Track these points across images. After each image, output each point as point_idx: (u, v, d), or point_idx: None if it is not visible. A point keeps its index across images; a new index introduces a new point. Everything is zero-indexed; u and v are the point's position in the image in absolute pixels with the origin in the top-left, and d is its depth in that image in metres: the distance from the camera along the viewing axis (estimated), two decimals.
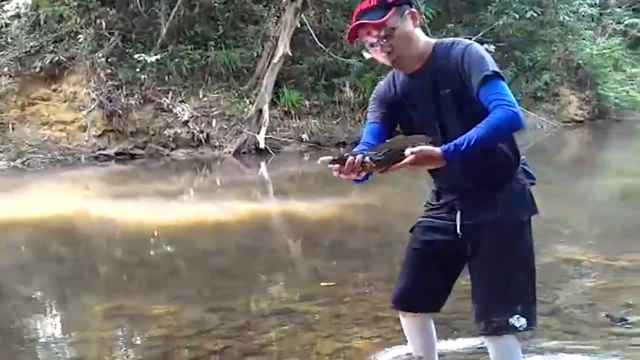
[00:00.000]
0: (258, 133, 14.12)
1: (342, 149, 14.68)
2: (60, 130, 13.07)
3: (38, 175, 12.07)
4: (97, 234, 7.93)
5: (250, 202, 9.59)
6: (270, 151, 14.27)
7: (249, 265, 5.96)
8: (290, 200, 9.79)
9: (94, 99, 13.30)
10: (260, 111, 14.38)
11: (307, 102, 15.65)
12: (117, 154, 13.14)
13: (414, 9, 2.48)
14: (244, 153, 14.42)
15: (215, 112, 14.46)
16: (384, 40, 2.44)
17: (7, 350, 4.21)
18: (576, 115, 19.35)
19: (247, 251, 6.71)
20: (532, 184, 2.73)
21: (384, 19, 2.40)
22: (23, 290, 5.62)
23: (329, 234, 7.38)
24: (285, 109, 15.50)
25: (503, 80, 2.38)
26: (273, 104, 15.21)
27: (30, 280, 5.94)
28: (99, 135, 13.25)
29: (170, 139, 13.77)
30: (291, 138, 14.75)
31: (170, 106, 13.92)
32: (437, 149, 2.32)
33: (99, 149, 12.99)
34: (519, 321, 2.54)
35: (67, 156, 12.79)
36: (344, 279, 5.37)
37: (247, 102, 14.91)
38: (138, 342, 4.23)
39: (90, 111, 13.25)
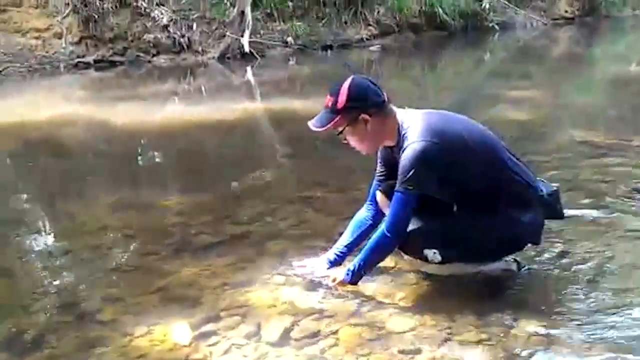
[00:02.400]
0: (242, 37, 13.57)
1: (329, 52, 14.32)
2: (36, 38, 12.39)
3: (17, 85, 11.58)
4: (89, 136, 7.65)
5: (243, 103, 9.33)
6: (256, 55, 13.80)
7: (257, 158, 5.78)
8: (284, 100, 9.51)
9: (67, 4, 12.57)
10: (242, 13, 13.77)
11: (290, 4, 15.00)
12: (96, 61, 12.55)
13: (369, 115, 2.80)
14: (228, 58, 13.92)
15: (195, 16, 13.82)
16: (337, 134, 2.88)
17: (18, 243, 4.05)
18: (566, 12, 18.91)
19: (252, 145, 6.53)
20: None
21: (327, 126, 2.82)
22: (25, 189, 5.42)
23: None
24: (268, 11, 14.86)
25: (409, 193, 2.75)
26: (255, 5, 14.56)
27: (31, 179, 5.73)
28: (77, 43, 12.62)
29: (151, 44, 13.18)
30: (276, 41, 14.24)
31: (148, 10, 13.25)
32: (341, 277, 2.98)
33: (77, 57, 12.38)
34: None
35: (44, 65, 12.20)
36: (352, 167, 5.22)
37: (228, 4, 14.25)
38: (153, 230, 4.07)
39: (64, 17, 12.54)
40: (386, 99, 2.83)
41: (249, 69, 13.31)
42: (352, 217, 3.33)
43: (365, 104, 2.78)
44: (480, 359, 2.38)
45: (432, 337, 2.54)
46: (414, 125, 2.72)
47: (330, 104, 2.81)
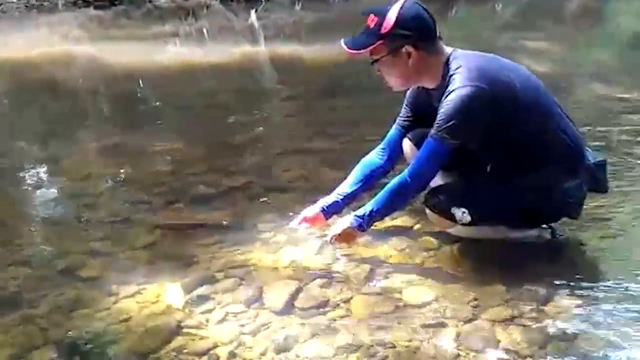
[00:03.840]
0: None
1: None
2: None
3: (14, 21, 11.14)
4: (85, 76, 7.28)
5: (246, 47, 8.89)
6: None
7: (257, 105, 5.41)
8: (288, 45, 9.06)
9: None
10: None
11: None
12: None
13: (414, 47, 2.38)
14: (231, 0, 13.42)
15: None
16: (371, 63, 2.46)
17: (10, 188, 3.74)
18: None
19: (253, 91, 6.14)
20: None
21: (364, 50, 2.41)
22: (13, 129, 5.09)
23: (335, 76, 6.76)
24: None
25: (444, 143, 2.35)
26: None
27: (21, 119, 5.40)
28: None
29: None
30: None
31: None
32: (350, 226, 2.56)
33: None
34: None
35: (43, 1, 11.75)
36: (362, 117, 4.87)
37: None
38: (144, 178, 3.75)
39: None
40: (439, 33, 2.44)
41: (252, 12, 12.80)
42: None
43: (414, 34, 2.35)
44: (511, 339, 2.08)
45: (456, 311, 2.23)
46: (464, 68, 2.31)
47: (373, 24, 2.36)
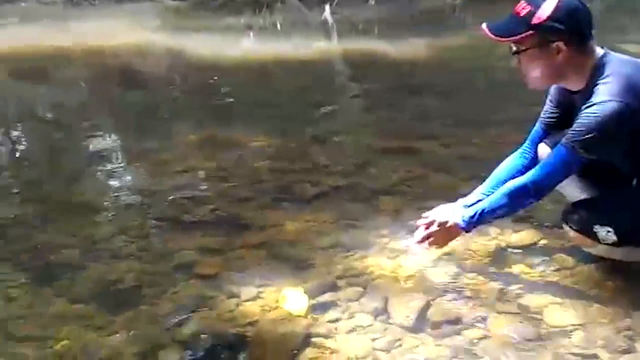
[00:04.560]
0: None
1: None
2: None
3: (96, 9, 11.36)
4: (166, 67, 7.32)
5: (319, 42, 8.79)
6: None
7: (340, 101, 5.28)
8: (361, 41, 8.91)
9: None
10: None
11: None
12: None
13: (565, 44, 2.18)
14: None
15: None
16: (513, 53, 2.28)
17: (100, 182, 3.74)
18: None
19: (331, 87, 6.04)
20: None
21: (512, 38, 2.22)
22: (103, 121, 5.12)
23: (423, 74, 6.58)
24: None
25: (575, 155, 2.18)
26: None
27: (109, 110, 5.43)
28: None
29: None
30: None
31: None
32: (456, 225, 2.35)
33: None
34: None
35: None
36: (458, 117, 4.70)
37: None
38: (245, 174, 3.67)
39: None
40: (593, 33, 2.23)
41: (327, 6, 12.69)
42: (470, 178, 2.87)
43: (568, 30, 2.16)
44: None
45: (608, 340, 2.05)
46: (612, 78, 2.12)
47: (523, 12, 2.17)
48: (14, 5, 11.37)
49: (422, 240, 2.41)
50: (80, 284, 2.48)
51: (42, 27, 9.88)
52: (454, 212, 2.41)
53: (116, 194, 3.46)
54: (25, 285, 2.47)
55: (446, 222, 2.34)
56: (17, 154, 4.50)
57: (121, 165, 3.98)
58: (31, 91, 6.34)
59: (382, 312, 2.28)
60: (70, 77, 6.86)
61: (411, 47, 7.61)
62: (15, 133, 5.16)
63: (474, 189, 2.53)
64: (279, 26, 11.32)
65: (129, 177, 3.72)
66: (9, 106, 5.88)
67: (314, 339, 2.13)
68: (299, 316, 2.26)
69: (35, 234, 2.93)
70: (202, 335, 2.15)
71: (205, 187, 3.50)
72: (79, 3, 11.67)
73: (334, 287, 2.44)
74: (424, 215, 2.46)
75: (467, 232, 2.36)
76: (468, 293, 2.37)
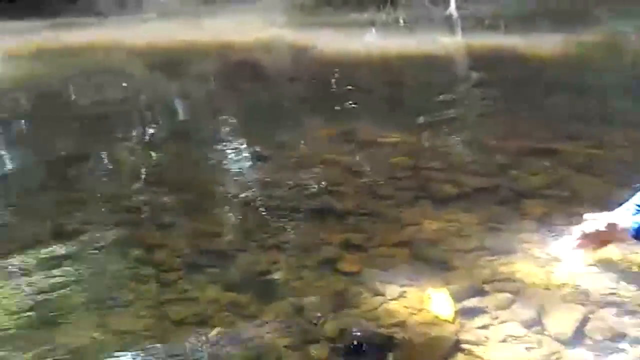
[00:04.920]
0: None
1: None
2: None
3: (224, 5, 11.80)
4: (294, 62, 7.46)
5: (443, 37, 8.61)
6: None
7: (476, 98, 5.12)
8: (497, 36, 8.61)
9: None
10: None
11: None
12: None
13: None
14: None
15: None
16: None
17: (249, 172, 3.85)
18: None
19: (466, 83, 5.87)
20: None
21: None
22: (235, 115, 5.28)
23: (557, 71, 6.25)
24: None
25: None
26: None
27: (241, 104, 5.60)
28: None
29: None
30: None
31: None
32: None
33: None
34: None
35: None
36: (601, 118, 4.42)
37: None
38: (380, 170, 3.65)
39: None
40: None
41: (452, 1, 12.45)
42: (618, 181, 2.74)
43: None
44: None
45: None
46: None
47: None
48: (153, 0, 12.02)
49: (581, 240, 2.29)
50: (231, 272, 2.56)
51: (177, 23, 10.40)
52: (619, 216, 2.26)
53: (256, 185, 3.55)
54: (179, 270, 2.58)
55: (615, 224, 2.20)
56: (153, 144, 4.73)
57: (257, 157, 4.07)
58: (165, 84, 6.67)
59: (535, 323, 2.17)
60: (203, 71, 7.15)
61: (542, 43, 7.26)
62: (151, 124, 5.43)
63: (624, 193, 2.36)
64: (401, 21, 11.22)
65: (266, 169, 3.79)
66: (144, 98, 6.21)
67: (463, 346, 2.06)
68: (446, 320, 2.21)
69: (184, 222, 3.07)
70: (348, 332, 2.15)
71: (343, 182, 3.50)
72: (213, 0, 12.17)
73: (481, 292, 2.35)
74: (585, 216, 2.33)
75: (636, 238, 2.20)
76: (630, 307, 2.21)
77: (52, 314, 2.33)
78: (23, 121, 5.54)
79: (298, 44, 8.39)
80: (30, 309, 2.37)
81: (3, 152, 4.58)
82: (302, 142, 4.25)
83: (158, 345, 2.11)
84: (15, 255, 2.78)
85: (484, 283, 2.42)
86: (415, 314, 2.26)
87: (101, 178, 3.91)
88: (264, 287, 2.44)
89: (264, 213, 3.15)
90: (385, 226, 2.93)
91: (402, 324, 2.19)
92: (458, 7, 12.26)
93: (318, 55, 7.63)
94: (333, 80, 6.42)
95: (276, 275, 2.53)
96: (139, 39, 8.76)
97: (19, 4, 11.63)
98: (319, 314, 2.25)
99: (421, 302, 2.32)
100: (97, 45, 8.37)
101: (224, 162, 4.06)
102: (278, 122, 4.89)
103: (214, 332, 2.14)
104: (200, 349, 2.06)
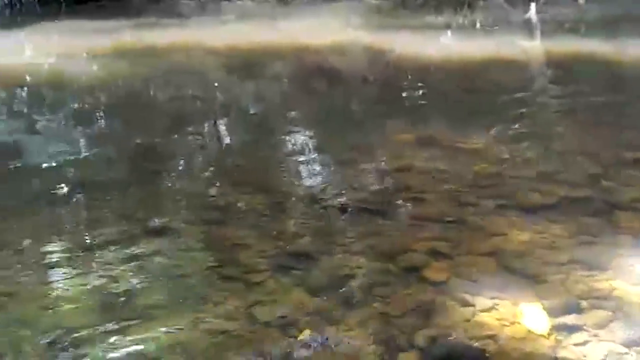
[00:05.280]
0: None
1: None
2: None
3: (299, 8, 11.89)
4: (368, 65, 7.41)
5: (522, 41, 8.38)
6: None
7: (558, 105, 4.94)
8: (567, 42, 8.30)
9: None
10: None
11: None
12: None
13: None
14: None
15: None
16: None
17: (320, 168, 3.86)
18: None
19: (548, 89, 5.69)
20: None
21: None
22: (317, 115, 5.29)
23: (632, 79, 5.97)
24: None
25: None
26: None
27: (323, 105, 5.61)
28: None
29: None
30: None
31: None
32: None
33: None
34: None
35: None
36: None
37: None
38: (466, 176, 3.56)
39: None
40: None
41: (532, 5, 12.13)
42: None
43: None
44: None
45: None
46: None
47: None
48: (232, 3, 12.23)
49: None
50: (316, 275, 2.55)
51: (254, 25, 10.53)
52: None
53: (337, 189, 3.52)
54: (266, 271, 2.59)
55: None
56: (234, 144, 4.77)
57: (337, 161, 4.05)
58: (244, 85, 6.75)
59: (637, 342, 2.06)
60: (281, 73, 7.21)
61: (627, 49, 6.95)
62: (232, 124, 5.49)
63: None
64: (479, 24, 11.00)
65: (346, 174, 3.76)
66: (224, 98, 6.30)
67: None
68: (541, 336, 2.12)
69: (268, 223, 3.08)
70: (439, 343, 2.10)
71: (425, 188, 3.44)
72: (288, 2, 12.28)
73: (577, 309, 2.26)
74: None
75: None
76: None
77: (139, 311, 2.38)
78: (109, 119, 5.71)
79: (374, 46, 8.35)
80: (118, 306, 2.42)
81: (89, 149, 4.73)
82: (381, 146, 4.20)
83: (248, 346, 2.12)
84: (99, 252, 2.84)
85: (580, 299, 2.32)
86: (508, 327, 2.18)
87: (185, 176, 3.98)
88: (349, 292, 2.42)
89: (346, 217, 3.12)
90: (471, 235, 2.86)
91: (494, 337, 2.12)
92: (538, 11, 11.94)
93: (395, 58, 7.57)
94: (410, 84, 6.35)
95: (361, 281, 2.50)
96: (218, 40, 8.92)
97: (106, 4, 12.08)
98: (407, 323, 2.21)
99: (514, 315, 2.24)
100: (178, 46, 8.57)
101: (305, 164, 4.05)
102: (356, 125, 4.86)
103: (302, 336, 2.13)
104: (289, 352, 2.06)
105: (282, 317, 2.27)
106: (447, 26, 10.68)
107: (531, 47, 8.32)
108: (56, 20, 10.50)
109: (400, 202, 3.26)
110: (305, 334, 2.12)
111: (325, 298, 2.37)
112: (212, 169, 4.17)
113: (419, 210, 3.14)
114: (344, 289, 2.45)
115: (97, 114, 5.76)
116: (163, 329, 2.23)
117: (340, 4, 12.08)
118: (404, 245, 2.77)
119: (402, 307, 2.30)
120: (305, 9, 11.88)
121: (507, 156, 3.91)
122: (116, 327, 2.27)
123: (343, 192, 3.44)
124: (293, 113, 5.39)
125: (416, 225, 2.98)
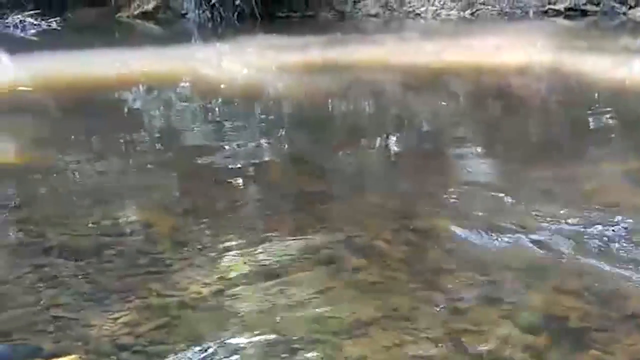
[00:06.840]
0: None
1: None
2: None
3: (483, 27, 11.67)
4: (542, 87, 7.06)
5: None
6: None
7: None
8: None
9: None
10: None
11: None
12: (567, 9, 11.81)
13: None
14: None
15: None
16: None
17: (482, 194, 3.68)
18: None
19: None
20: None
21: None
22: (516, 139, 5.09)
23: None
24: None
25: None
26: None
27: (494, 127, 5.42)
28: None
29: None
30: None
31: None
32: None
33: (549, 3, 11.84)
34: None
35: (515, 9, 12.03)
36: None
37: None
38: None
39: None
40: None
41: None
42: None
43: None
44: None
45: None
46: None
47: None
48: (415, 21, 12.30)
49: None
50: (525, 310, 2.42)
51: (436, 43, 10.48)
52: None
53: (544, 222, 3.25)
54: (469, 301, 2.51)
55: None
56: (401, 157, 4.74)
57: (543, 190, 3.71)
58: (419, 101, 6.70)
59: None
60: (457, 91, 7.05)
61: None
62: (402, 137, 5.39)
63: None
64: None
65: (557, 205, 3.45)
66: (394, 113, 6.26)
67: None
68: None
69: (465, 251, 2.97)
70: None
71: (631, 228, 3.13)
72: (472, 20, 12.11)
73: None
74: None
75: None
76: None
77: (348, 327, 2.37)
78: (294, 129, 5.86)
79: (561, 68, 7.95)
80: (326, 319, 2.44)
81: (272, 155, 4.84)
82: (593, 177, 3.91)
83: None
84: (301, 263, 2.86)
85: None
86: None
87: (375, 193, 3.89)
88: (564, 333, 2.27)
89: (549, 253, 2.94)
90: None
91: None
92: None
93: (583, 81, 7.15)
94: (599, 109, 5.92)
95: (575, 322, 2.34)
96: (401, 58, 8.97)
97: (295, 20, 12.68)
98: None
99: None
100: (362, 63, 8.73)
101: (497, 191, 3.78)
102: (561, 151, 4.56)
103: None
104: None
105: (490, 351, 2.18)
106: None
107: None
108: (251, 35, 11.22)
109: (617, 245, 2.97)
110: None
111: (535, 336, 2.25)
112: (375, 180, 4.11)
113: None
114: (555, 328, 2.30)
115: (284, 124, 5.96)
116: (363, 348, 2.22)
117: (527, 23, 11.68)
118: (623, 291, 2.55)
119: (623, 358, 2.12)
120: (489, 29, 11.63)
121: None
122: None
123: (551, 226, 3.19)
124: (491, 139, 5.16)
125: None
